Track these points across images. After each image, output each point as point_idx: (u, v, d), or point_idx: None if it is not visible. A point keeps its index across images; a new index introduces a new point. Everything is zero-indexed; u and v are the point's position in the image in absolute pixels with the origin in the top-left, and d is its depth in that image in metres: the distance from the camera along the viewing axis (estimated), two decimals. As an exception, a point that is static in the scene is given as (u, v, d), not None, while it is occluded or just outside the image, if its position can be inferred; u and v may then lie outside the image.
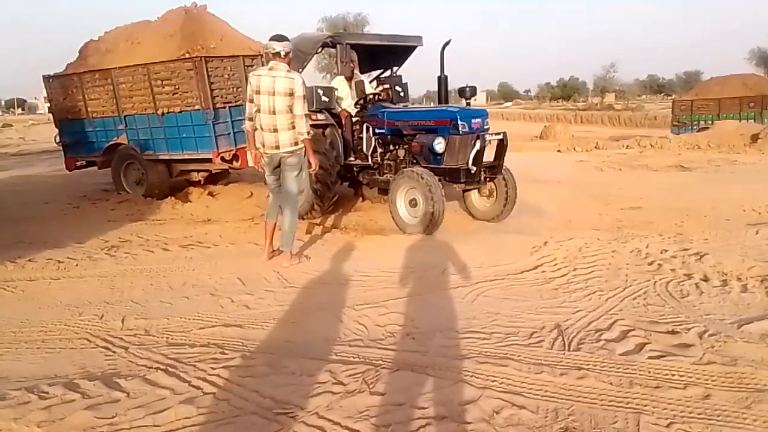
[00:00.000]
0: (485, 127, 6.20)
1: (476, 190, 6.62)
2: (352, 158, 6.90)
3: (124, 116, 8.52)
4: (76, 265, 5.21)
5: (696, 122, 21.97)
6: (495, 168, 6.27)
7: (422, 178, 5.79)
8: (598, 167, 11.34)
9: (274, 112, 4.75)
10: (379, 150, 6.74)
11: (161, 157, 8.48)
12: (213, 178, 9.21)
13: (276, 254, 5.11)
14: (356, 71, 7.16)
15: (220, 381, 2.83)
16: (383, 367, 2.91)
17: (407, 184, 5.99)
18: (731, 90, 22.09)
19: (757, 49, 52.00)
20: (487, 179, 6.27)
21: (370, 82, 7.54)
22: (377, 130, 6.66)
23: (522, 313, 3.60)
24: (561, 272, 4.42)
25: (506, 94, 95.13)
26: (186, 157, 8.31)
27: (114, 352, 3.29)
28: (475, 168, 5.93)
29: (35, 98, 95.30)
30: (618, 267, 4.47)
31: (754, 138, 14.98)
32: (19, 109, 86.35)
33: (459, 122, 5.94)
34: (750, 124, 17.84)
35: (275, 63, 4.75)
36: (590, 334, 3.25)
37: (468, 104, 6.56)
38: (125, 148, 8.71)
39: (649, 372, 2.76)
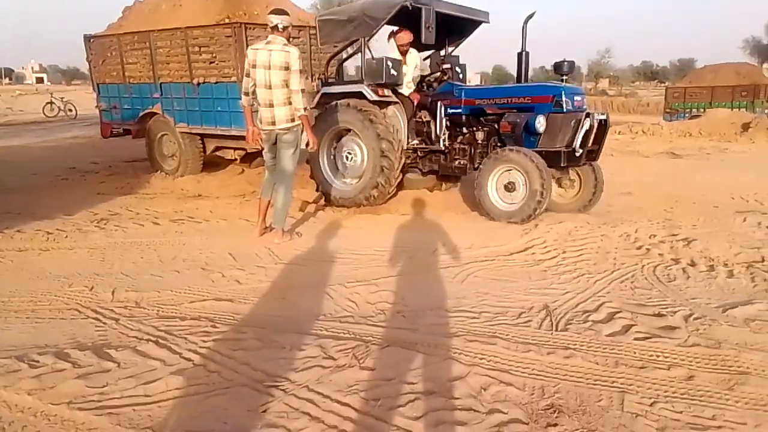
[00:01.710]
0: (584, 106, 5.69)
1: (556, 180, 5.96)
2: (415, 142, 6.34)
3: (160, 84, 8.02)
4: (66, 236, 5.18)
5: (688, 110, 22.05)
6: (593, 153, 5.80)
7: (530, 159, 5.24)
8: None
9: (270, 87, 4.71)
10: (449, 132, 6.18)
11: (194, 131, 8.00)
12: (249, 157, 8.47)
13: (268, 231, 5.11)
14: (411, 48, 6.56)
15: (211, 354, 2.84)
16: (373, 343, 2.94)
17: (504, 165, 5.43)
18: (724, 78, 22.15)
19: (752, 38, 52.29)
20: (585, 164, 5.78)
21: (425, 59, 7.00)
22: (449, 110, 6.07)
23: (511, 294, 3.64)
24: (550, 254, 4.46)
25: (501, 77, 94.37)
26: (219, 132, 7.72)
27: (104, 323, 3.29)
28: (581, 151, 5.41)
29: (23, 68, 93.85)
30: (607, 251, 4.52)
31: (745, 127, 15.09)
32: (6, 78, 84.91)
33: (564, 99, 5.42)
34: (742, 113, 17.94)
35: (273, 36, 4.71)
36: (578, 315, 3.30)
37: (564, 80, 5.86)
38: (159, 118, 8.27)
39: (635, 353, 2.81)
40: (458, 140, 6.23)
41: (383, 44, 6.91)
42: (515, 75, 6.34)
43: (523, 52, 6.11)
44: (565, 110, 5.46)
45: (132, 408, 2.37)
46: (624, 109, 35.33)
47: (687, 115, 21.43)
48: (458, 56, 7.06)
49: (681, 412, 2.32)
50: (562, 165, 5.52)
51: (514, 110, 5.70)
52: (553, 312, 3.33)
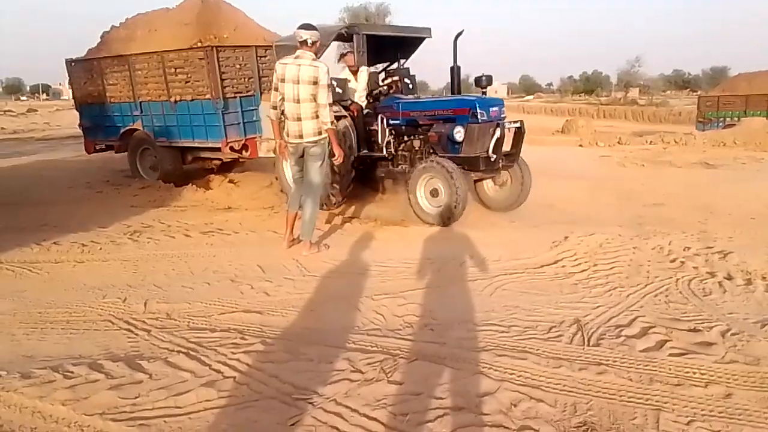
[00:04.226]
0: (502, 115, 6.21)
1: (490, 180, 6.62)
2: (365, 150, 6.89)
3: (140, 102, 8.69)
4: (100, 248, 5.31)
5: (722, 119, 21.54)
6: (512, 156, 6.30)
7: (444, 167, 5.79)
8: (621, 163, 11.20)
9: (298, 101, 4.76)
10: (393, 141, 6.75)
11: (174, 145, 8.65)
12: (226, 166, 9.36)
13: (296, 243, 5.15)
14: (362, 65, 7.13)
15: (241, 365, 2.86)
16: (401, 357, 2.93)
17: (428, 174, 5.98)
18: (759, 87, 21.57)
19: (788, 45, 50.85)
20: (504, 167, 6.29)
21: (379, 73, 7.55)
22: (391, 121, 6.65)
23: (541, 307, 3.59)
24: (581, 267, 4.39)
25: (528, 87, 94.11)
26: (196, 145, 8.46)
27: (137, 334, 3.35)
28: (495, 156, 5.95)
29: (60, 84, 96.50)
30: (639, 264, 4.43)
31: (783, 136, 14.65)
32: (44, 94, 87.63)
33: (478, 111, 5.96)
34: (778, 122, 17.44)
35: (302, 51, 4.76)
36: (610, 329, 3.23)
37: (484, 93, 6.55)
38: (140, 134, 8.91)
39: (670, 369, 2.74)
40: (400, 148, 6.83)
41: None
42: (451, 87, 7.00)
43: (455, 66, 6.73)
44: (480, 120, 6.00)
45: (163, 419, 2.41)
46: (655, 118, 34.77)
47: (721, 124, 20.93)
48: (408, 68, 7.64)
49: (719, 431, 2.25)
50: (481, 169, 6.08)
51: (441, 121, 6.29)
52: (585, 326, 3.27)
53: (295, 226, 5.18)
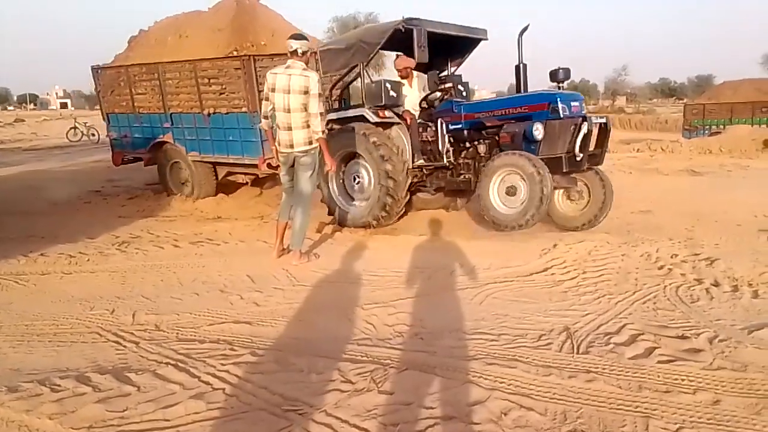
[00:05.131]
0: (583, 111, 5.71)
1: (563, 192, 6.04)
2: (421, 161, 6.30)
3: (170, 114, 8.16)
4: (88, 259, 5.26)
5: (708, 126, 21.85)
6: (596, 157, 5.79)
7: (528, 159, 5.27)
8: (608, 170, 11.26)
9: (288, 110, 4.78)
10: (454, 148, 6.25)
11: (206, 160, 8.12)
12: (259, 180, 8.65)
13: (286, 253, 5.14)
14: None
15: (230, 377, 2.84)
16: (391, 367, 2.92)
17: (505, 168, 5.45)
18: (744, 95, 21.97)
19: (771, 54, 51.64)
20: (588, 170, 5.77)
21: (438, 74, 7.04)
22: (451, 126, 6.16)
23: (531, 316, 3.60)
24: (570, 275, 4.40)
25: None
26: (232, 161, 7.88)
27: (125, 346, 3.32)
28: (582, 155, 5.44)
29: (47, 94, 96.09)
30: (628, 271, 4.45)
31: (767, 143, 14.88)
32: (31, 104, 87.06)
33: (559, 105, 5.45)
34: (762, 129, 17.69)
35: (292, 61, 4.79)
36: (599, 337, 3.24)
37: (560, 88, 5.92)
38: (170, 147, 8.43)
39: (659, 376, 2.75)
40: (462, 155, 6.29)
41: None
42: (515, 87, 6.39)
43: (521, 64, 6.19)
44: (561, 116, 5.49)
45: (151, 432, 2.38)
46: (642, 126, 35.08)
47: (707, 131, 21.22)
48: (461, 75, 7.19)
49: (708, 438, 2.26)
50: (564, 171, 5.54)
51: (513, 121, 5.76)
52: (574, 334, 3.28)
53: (285, 235, 5.17)
